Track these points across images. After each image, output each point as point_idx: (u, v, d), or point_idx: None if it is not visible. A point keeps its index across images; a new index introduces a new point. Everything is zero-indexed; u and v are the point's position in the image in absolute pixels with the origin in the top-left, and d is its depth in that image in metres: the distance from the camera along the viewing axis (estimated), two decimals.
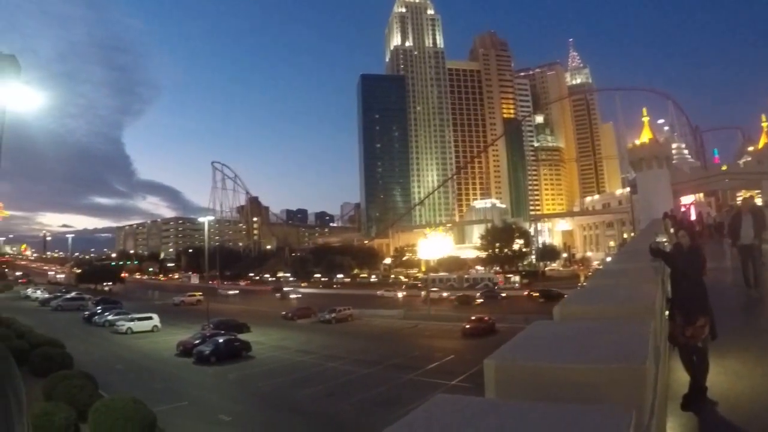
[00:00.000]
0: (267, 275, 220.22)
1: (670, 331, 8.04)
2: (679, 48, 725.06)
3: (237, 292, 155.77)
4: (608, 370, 3.39)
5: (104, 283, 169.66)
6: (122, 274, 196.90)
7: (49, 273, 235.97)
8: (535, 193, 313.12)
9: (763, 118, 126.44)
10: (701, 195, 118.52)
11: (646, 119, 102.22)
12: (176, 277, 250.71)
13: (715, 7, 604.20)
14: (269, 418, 34.43)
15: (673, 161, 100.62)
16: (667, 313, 8.37)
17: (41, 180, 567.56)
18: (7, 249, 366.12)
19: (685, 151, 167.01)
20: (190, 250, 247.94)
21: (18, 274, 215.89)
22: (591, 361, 3.55)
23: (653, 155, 78.66)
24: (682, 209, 78.56)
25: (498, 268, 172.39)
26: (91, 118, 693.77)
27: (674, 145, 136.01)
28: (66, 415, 26.16)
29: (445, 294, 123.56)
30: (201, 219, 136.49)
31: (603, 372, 3.38)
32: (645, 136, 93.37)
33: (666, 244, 10.89)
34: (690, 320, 7.94)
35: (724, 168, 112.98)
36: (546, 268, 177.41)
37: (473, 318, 74.06)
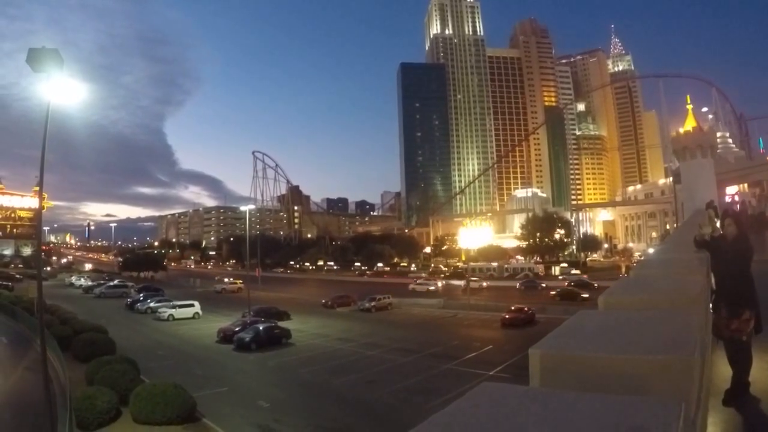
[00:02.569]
0: (307, 264, 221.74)
1: (714, 324, 7.74)
2: (723, 33, 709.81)
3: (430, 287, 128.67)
4: (656, 361, 3.30)
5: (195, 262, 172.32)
6: (165, 262, 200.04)
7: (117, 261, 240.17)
8: (577, 182, 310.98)
9: None
10: (745, 185, 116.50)
11: (689, 107, 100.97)
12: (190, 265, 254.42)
13: None
14: (308, 405, 34.59)
15: (718, 150, 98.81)
16: (710, 305, 8.10)
17: (85, 171, 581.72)
18: (52, 238, 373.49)
19: (730, 140, 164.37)
20: (231, 239, 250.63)
21: (88, 266, 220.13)
22: (638, 352, 3.46)
23: (697, 144, 77.12)
24: (728, 199, 77.26)
25: (538, 258, 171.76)
26: (133, 110, 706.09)
27: (718, 134, 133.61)
28: (108, 399, 26.67)
29: (485, 284, 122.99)
30: (242, 208, 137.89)
31: (650, 363, 3.30)
32: (689, 125, 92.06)
33: (711, 234, 10.51)
34: (735, 313, 7.60)
35: None
36: (587, 259, 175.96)
37: (513, 308, 73.52)
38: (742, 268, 8.04)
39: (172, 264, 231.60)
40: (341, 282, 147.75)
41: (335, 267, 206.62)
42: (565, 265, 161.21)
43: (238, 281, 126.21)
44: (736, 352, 7.53)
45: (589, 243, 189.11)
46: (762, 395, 7.15)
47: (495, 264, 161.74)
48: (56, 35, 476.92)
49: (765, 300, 8.22)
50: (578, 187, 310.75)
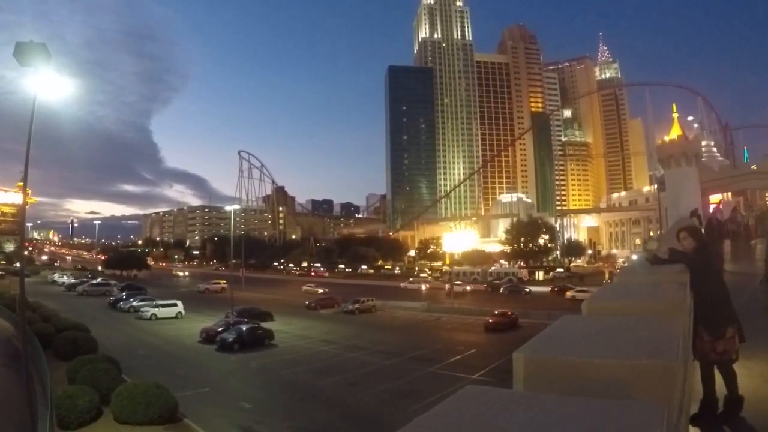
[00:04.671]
0: (291, 265, 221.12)
1: (698, 349, 7.23)
2: (710, 44, 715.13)
3: None
4: (639, 367, 3.33)
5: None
6: (149, 261, 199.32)
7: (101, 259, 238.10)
8: (562, 188, 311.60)
9: None
10: (729, 194, 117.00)
11: (675, 116, 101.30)
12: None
13: (747, 2, 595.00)
14: (290, 407, 34.54)
15: (702, 159, 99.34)
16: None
17: (69, 167, 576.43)
18: (35, 234, 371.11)
19: (714, 149, 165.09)
20: (216, 239, 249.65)
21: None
22: (621, 357, 3.48)
23: (682, 152, 77.82)
24: (711, 208, 77.45)
25: (522, 263, 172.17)
26: (119, 106, 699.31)
27: (703, 143, 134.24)
28: (89, 398, 26.51)
29: (469, 287, 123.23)
30: (227, 208, 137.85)
31: (633, 368, 3.32)
32: (674, 133, 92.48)
33: (659, 249, 10.19)
34: (719, 334, 7.19)
35: (753, 167, 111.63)
36: (571, 264, 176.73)
37: (496, 312, 73.70)
38: (715, 282, 7.73)
39: (164, 265, 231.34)
40: (325, 283, 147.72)
41: (322, 269, 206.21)
42: (561, 270, 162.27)
43: (221, 281, 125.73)
44: (713, 372, 7.32)
45: (573, 249, 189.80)
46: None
47: (484, 269, 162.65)
48: (44, 28, 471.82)
49: (746, 308, 8.13)
50: (563, 193, 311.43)
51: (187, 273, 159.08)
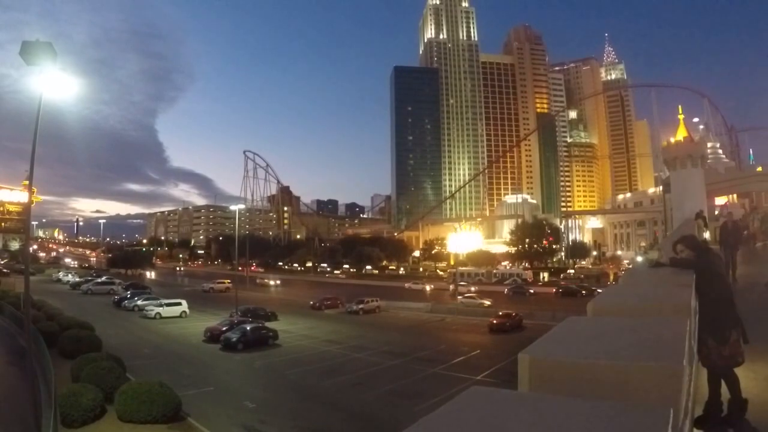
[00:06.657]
0: (296, 265, 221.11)
1: (705, 356, 7.21)
2: (716, 45, 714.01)
3: None
4: (644, 369, 3.31)
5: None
6: (154, 260, 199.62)
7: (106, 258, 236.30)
8: (567, 189, 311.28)
9: None
10: (735, 196, 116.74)
11: (681, 117, 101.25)
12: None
13: (753, 3, 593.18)
14: (294, 407, 34.52)
15: (708, 161, 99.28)
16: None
17: (75, 166, 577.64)
18: (40, 233, 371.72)
19: (720, 151, 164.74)
20: (221, 238, 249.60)
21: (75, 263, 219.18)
22: (626, 359, 3.47)
23: (688, 154, 77.49)
24: (724, 210, 77.17)
25: (527, 264, 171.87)
26: (125, 105, 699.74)
27: (709, 145, 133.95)
28: (93, 397, 26.50)
29: (473, 289, 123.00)
30: (232, 207, 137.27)
31: (639, 370, 3.30)
32: (680, 135, 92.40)
33: (659, 259, 10.11)
34: (724, 339, 7.19)
35: (759, 169, 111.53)
36: (575, 266, 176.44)
37: (501, 313, 73.54)
38: (719, 285, 7.74)
39: (162, 262, 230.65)
40: (329, 284, 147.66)
41: (328, 269, 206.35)
42: (571, 271, 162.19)
43: (225, 280, 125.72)
44: (720, 376, 7.29)
45: (578, 250, 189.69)
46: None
47: (489, 270, 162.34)
48: (50, 26, 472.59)
49: (751, 310, 8.08)
50: (568, 194, 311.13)
51: (278, 281, 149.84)
